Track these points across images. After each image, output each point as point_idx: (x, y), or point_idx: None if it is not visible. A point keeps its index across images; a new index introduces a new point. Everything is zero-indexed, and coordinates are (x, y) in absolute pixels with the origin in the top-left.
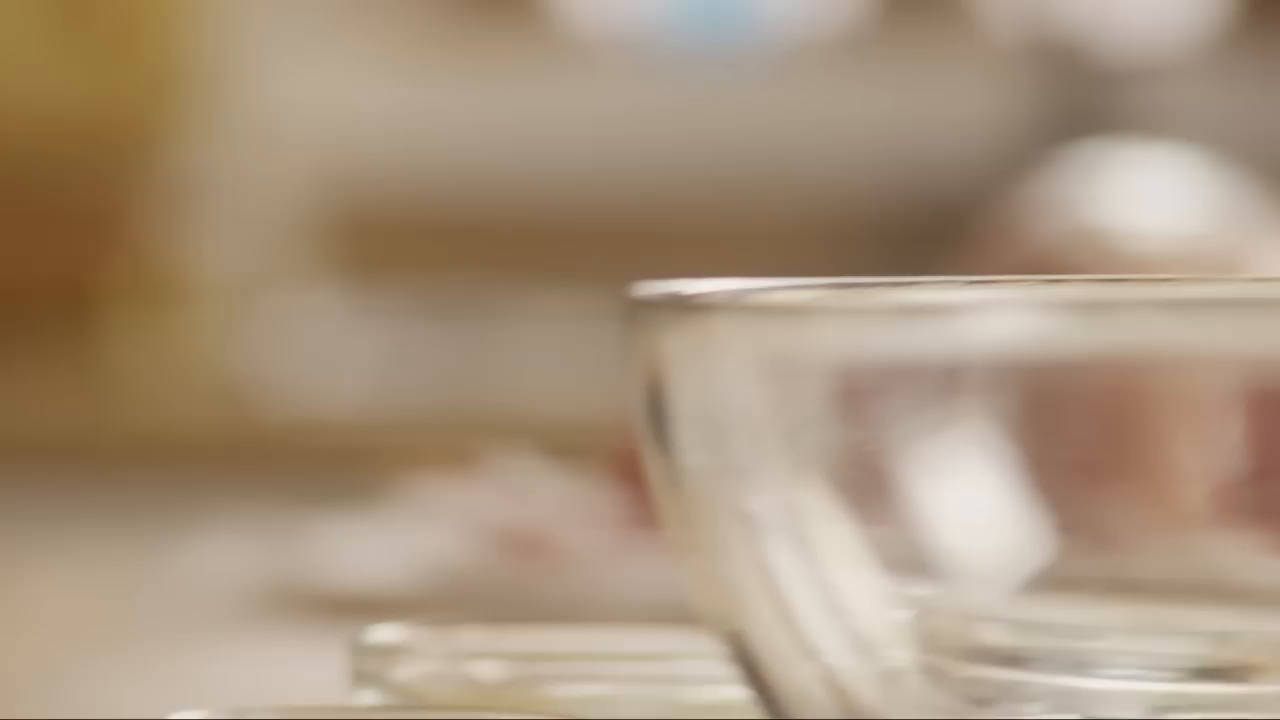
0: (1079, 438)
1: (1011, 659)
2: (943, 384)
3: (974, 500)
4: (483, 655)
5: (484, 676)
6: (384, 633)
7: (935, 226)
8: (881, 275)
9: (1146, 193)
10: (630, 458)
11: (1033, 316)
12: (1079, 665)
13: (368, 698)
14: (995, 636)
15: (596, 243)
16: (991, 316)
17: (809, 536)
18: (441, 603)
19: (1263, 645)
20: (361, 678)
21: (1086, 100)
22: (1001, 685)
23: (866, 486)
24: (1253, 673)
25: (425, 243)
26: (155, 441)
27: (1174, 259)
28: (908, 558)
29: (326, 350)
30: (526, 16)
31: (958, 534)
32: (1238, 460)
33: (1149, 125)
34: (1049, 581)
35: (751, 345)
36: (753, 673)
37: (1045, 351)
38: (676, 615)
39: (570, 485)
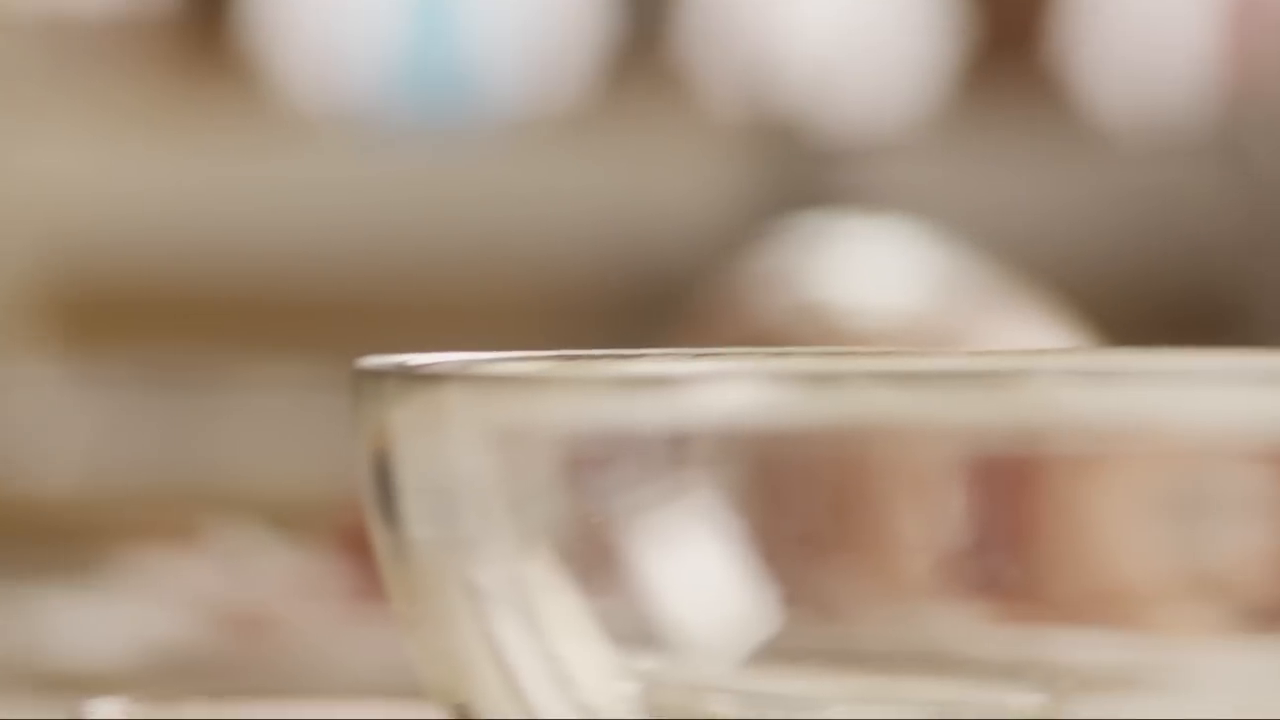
0: (804, 509)
1: None
2: (669, 456)
3: (700, 572)
4: None
5: None
6: (104, 708)
7: (659, 300)
8: (607, 348)
9: (868, 267)
10: (356, 531)
11: (757, 388)
12: None
13: None
14: (722, 708)
15: (322, 316)
16: (717, 388)
17: (536, 608)
18: (163, 678)
19: (985, 716)
20: None
21: (807, 175)
22: None
23: (593, 558)
24: None
25: (148, 315)
26: None
27: (896, 333)
28: (635, 629)
29: (47, 424)
30: (249, 88)
31: (684, 606)
32: (960, 532)
33: (869, 200)
34: (775, 653)
35: (478, 416)
36: None
37: (770, 423)
38: (403, 689)
39: (295, 559)
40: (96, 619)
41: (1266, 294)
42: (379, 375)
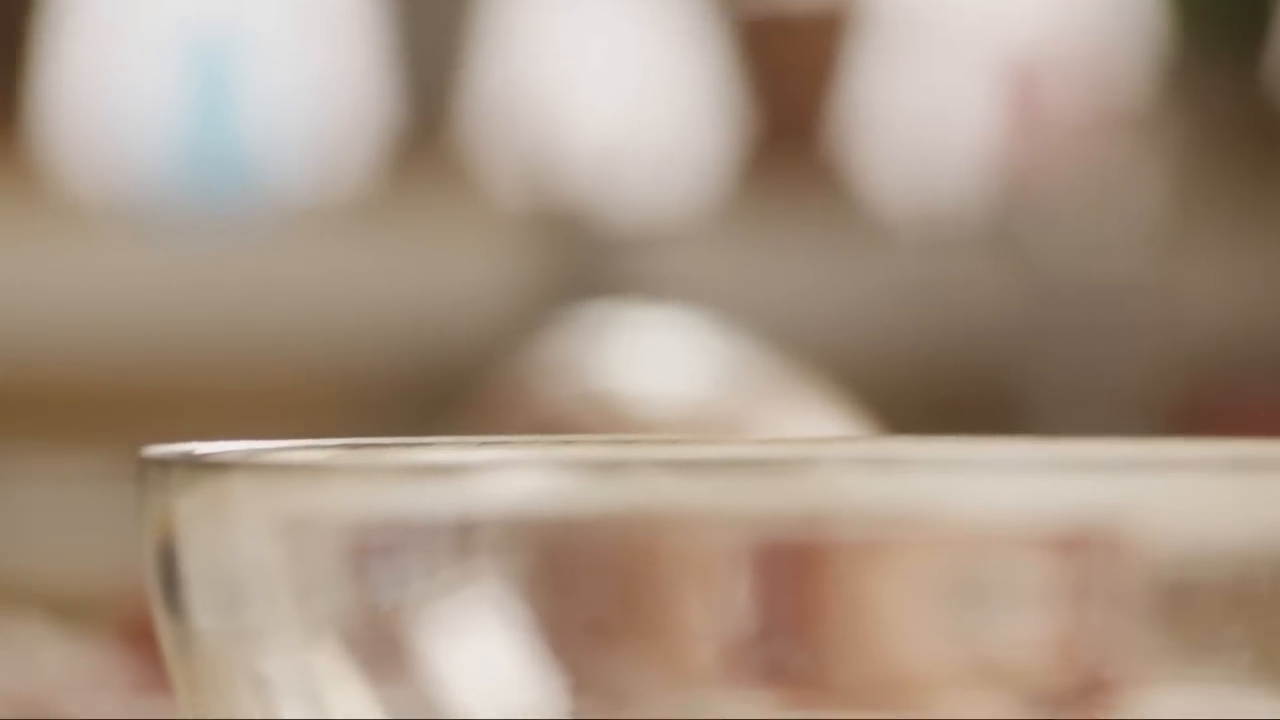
0: (592, 597)
1: None
2: (456, 544)
3: (489, 661)
4: None
5: None
6: None
7: (446, 389)
8: (394, 437)
9: (652, 356)
10: (141, 622)
11: (544, 476)
12: None
13: None
14: None
15: (107, 406)
16: (503, 476)
17: (323, 699)
18: None
19: None
20: None
21: (591, 264)
22: None
23: (381, 648)
24: None
25: None
26: None
27: (681, 421)
28: (420, 710)
29: None
30: (27, 174)
31: (473, 695)
32: (746, 619)
33: (653, 289)
34: None
35: (264, 505)
36: None
37: (557, 511)
38: None
39: (78, 651)
40: None
41: (1043, 383)
42: (164, 464)
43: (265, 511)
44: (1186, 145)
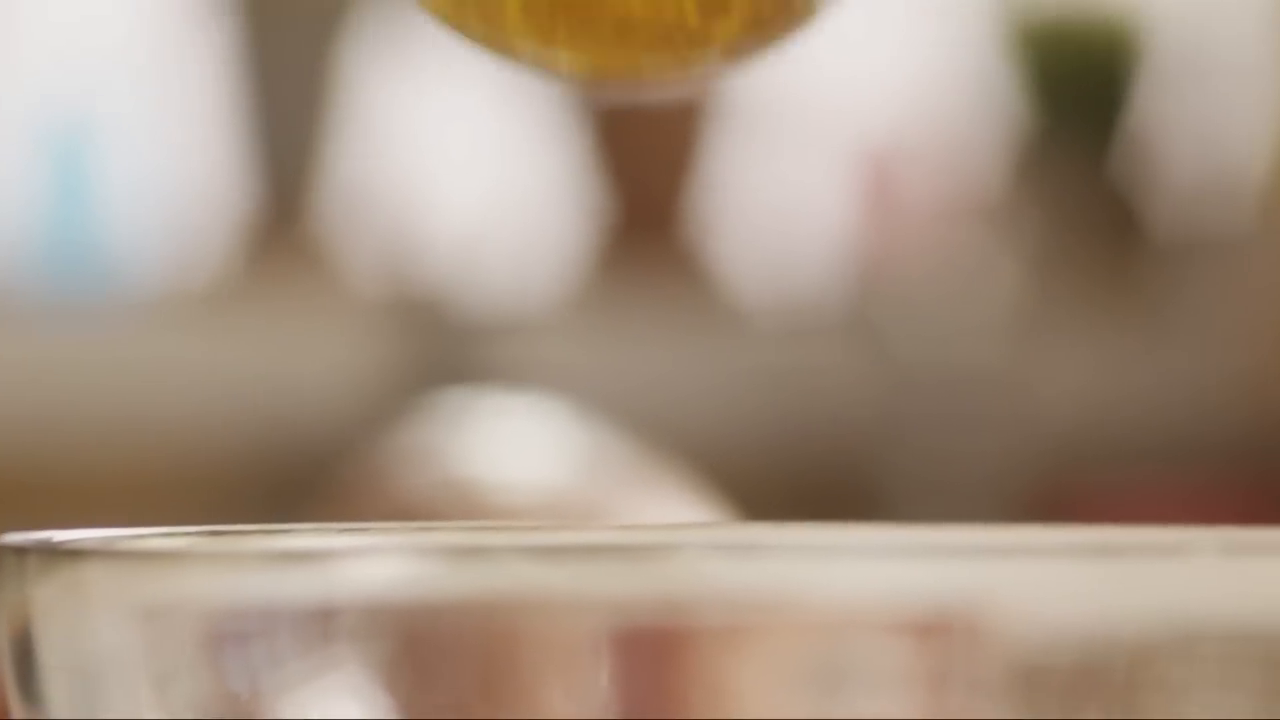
0: (453, 684)
1: None
2: (316, 631)
3: None
4: None
5: None
6: None
7: (305, 477)
8: (253, 524)
9: (511, 443)
10: None
11: (404, 563)
12: None
13: None
14: None
15: None
16: (363, 563)
17: None
18: None
19: None
20: None
21: (449, 351)
22: None
23: None
24: None
25: None
26: None
27: (540, 508)
28: None
29: None
30: None
31: None
32: (607, 704)
33: (511, 377)
34: None
35: (122, 593)
36: None
37: (417, 598)
38: None
39: None
40: None
41: (900, 471)
42: (20, 551)
43: (123, 599)
44: (1040, 234)
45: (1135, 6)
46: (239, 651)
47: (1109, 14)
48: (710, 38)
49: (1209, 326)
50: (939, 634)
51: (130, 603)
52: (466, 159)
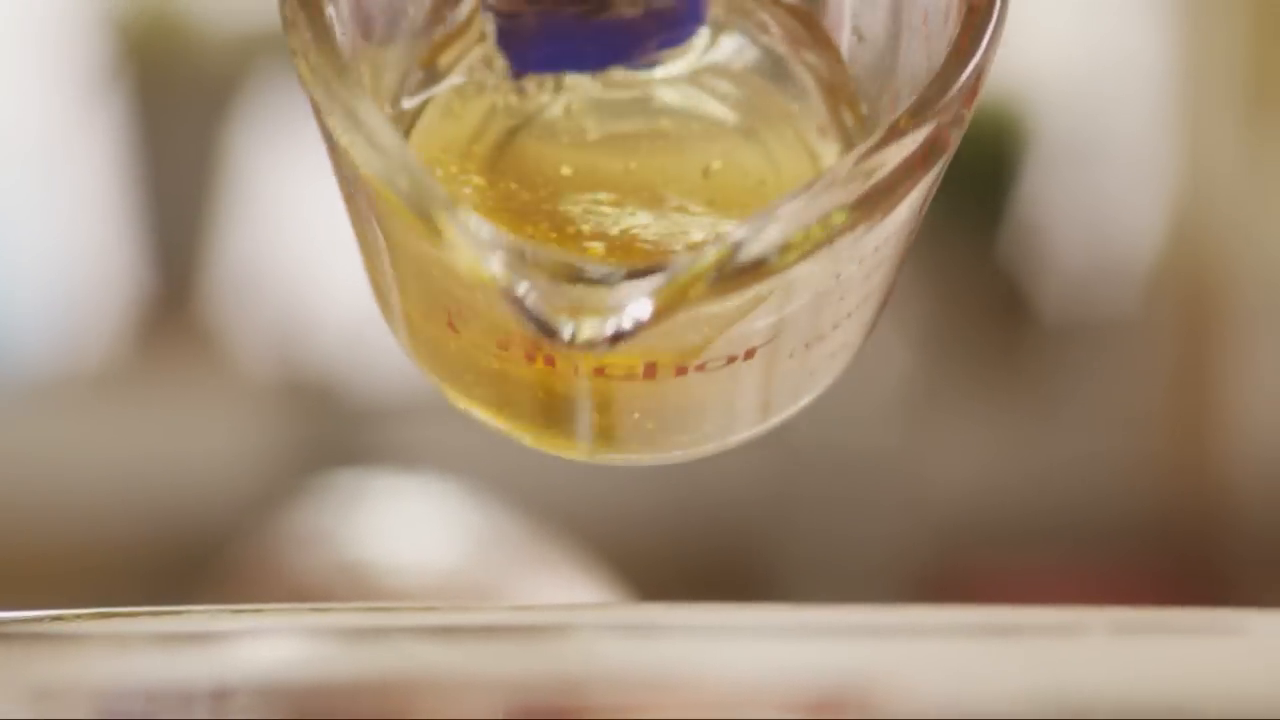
0: None
1: None
2: (210, 711)
3: None
4: None
5: None
6: None
7: (195, 558)
8: (144, 606)
9: (403, 525)
10: None
11: (298, 643)
12: None
13: None
14: None
15: None
16: (257, 643)
17: None
18: None
19: None
20: None
21: (340, 434)
22: None
23: None
24: None
25: None
26: None
27: (435, 589)
28: None
29: None
30: None
31: None
32: None
33: (403, 459)
34: None
35: (12, 674)
36: None
37: (312, 677)
38: None
39: None
40: None
41: (793, 550)
42: None
43: (14, 680)
44: (929, 316)
45: (1023, 90)
46: None
47: (997, 97)
48: None
49: (1098, 408)
50: (832, 712)
51: (21, 684)
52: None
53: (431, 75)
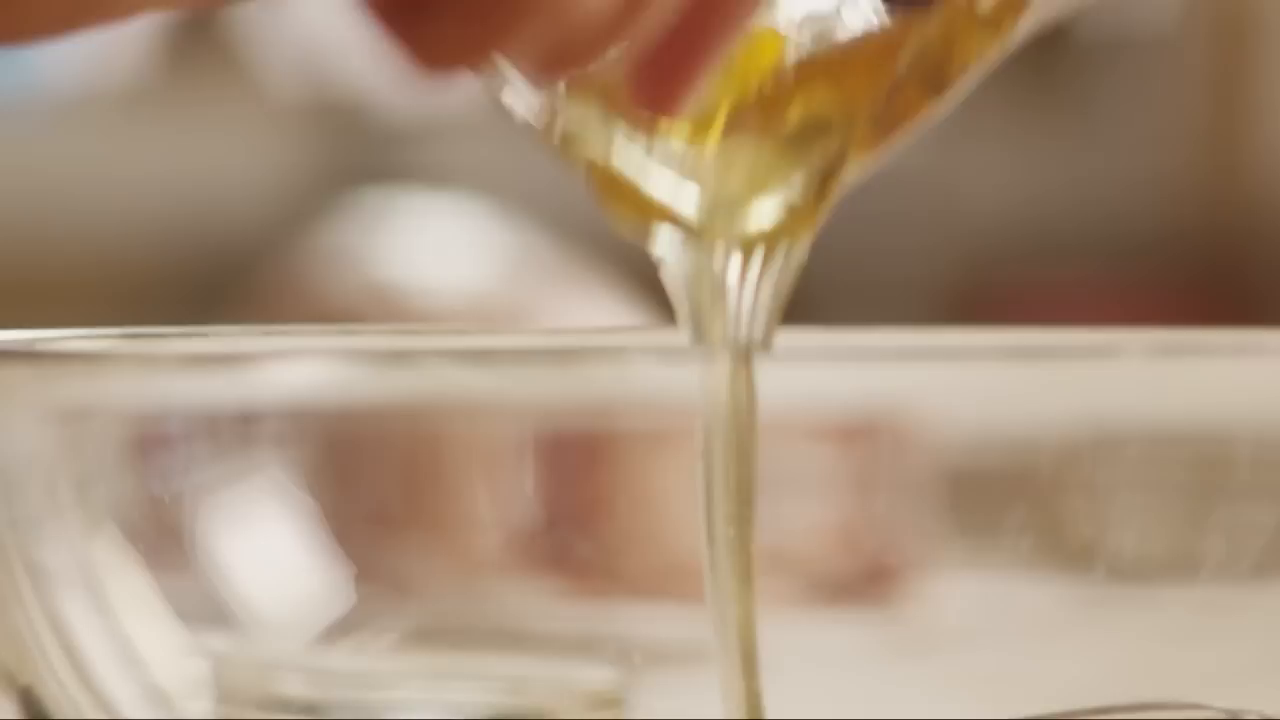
0: (376, 487)
1: (308, 708)
2: (238, 434)
3: (272, 551)
4: None
5: None
6: None
7: (222, 280)
8: (173, 327)
9: (433, 245)
10: None
11: (327, 365)
12: (376, 714)
13: None
14: (292, 687)
15: None
16: (286, 366)
17: (103, 589)
18: None
19: (555, 691)
20: None
21: (370, 152)
22: None
23: (161, 538)
24: (547, 717)
25: None
26: None
27: (463, 311)
28: (205, 609)
29: None
30: None
31: (254, 585)
32: (531, 509)
33: (432, 178)
34: (346, 631)
35: (41, 395)
36: None
37: (340, 401)
38: None
39: None
40: None
41: (824, 271)
42: None
43: (43, 401)
44: None
45: None
46: (160, 454)
47: None
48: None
49: (1133, 124)
50: (863, 437)
51: (50, 405)
52: None
53: None
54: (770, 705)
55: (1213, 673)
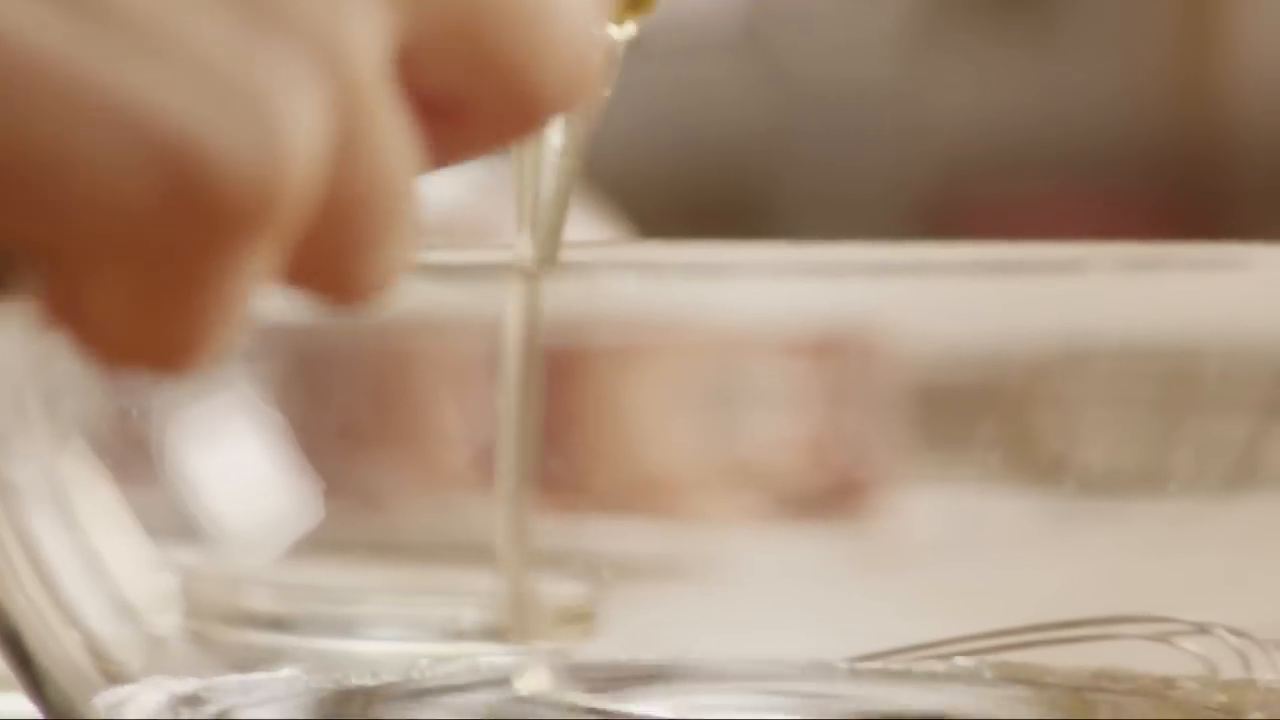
0: (343, 403)
1: (276, 623)
2: None
3: (240, 465)
4: None
5: None
6: None
7: None
8: None
9: None
10: None
11: None
12: (344, 628)
13: None
14: (260, 601)
15: None
16: None
17: (71, 504)
18: None
19: (527, 607)
20: None
21: None
22: (266, 649)
23: (130, 452)
24: (517, 634)
25: None
26: None
27: (432, 226)
28: (173, 524)
29: None
30: None
31: (223, 499)
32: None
33: None
34: (315, 545)
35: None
36: (14, 645)
37: (308, 317)
38: None
39: None
40: None
41: (793, 187)
42: None
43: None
44: None
45: None
46: None
47: None
48: None
49: (1104, 36)
50: (833, 352)
51: (17, 320)
52: None
53: None
54: (741, 618)
55: (1181, 586)
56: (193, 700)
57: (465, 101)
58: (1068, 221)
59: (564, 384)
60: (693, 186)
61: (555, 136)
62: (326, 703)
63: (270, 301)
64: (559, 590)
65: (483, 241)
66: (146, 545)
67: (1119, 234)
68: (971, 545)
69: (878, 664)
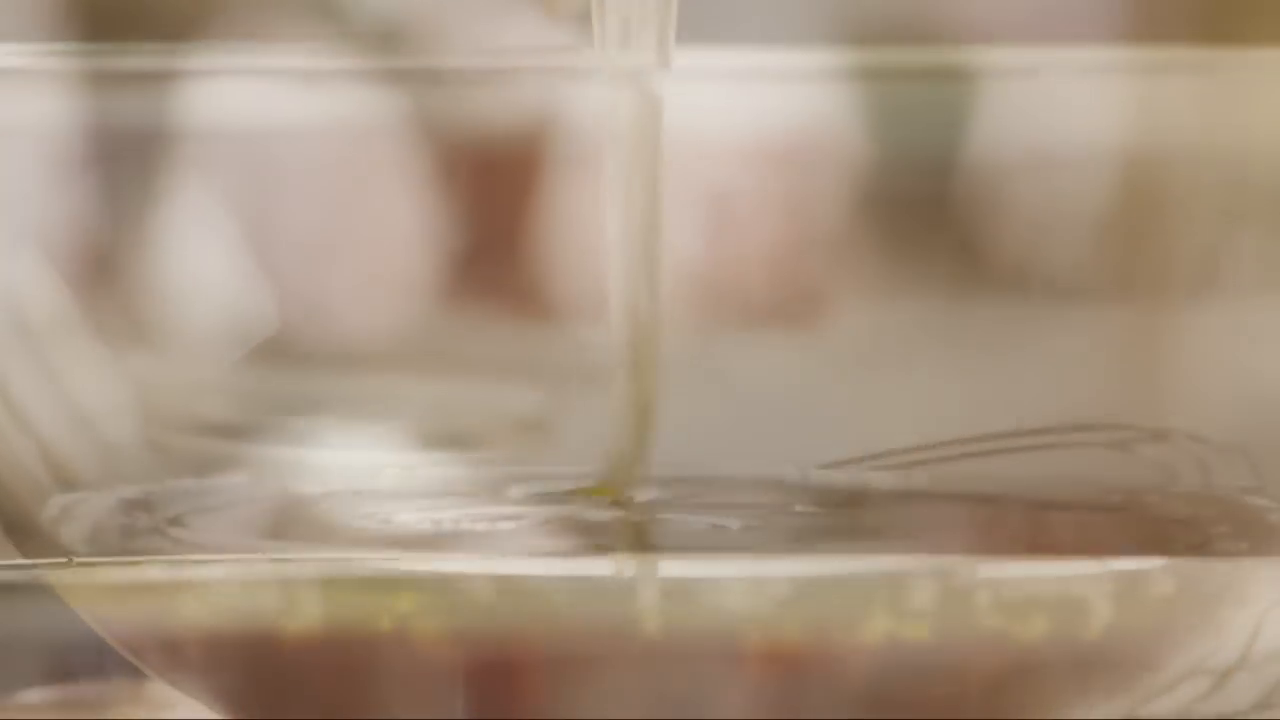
0: (300, 209)
1: (232, 432)
2: (160, 155)
3: (196, 272)
4: None
5: None
6: None
7: None
8: (93, 43)
9: None
10: None
11: (250, 85)
12: (300, 437)
13: None
14: (216, 410)
15: None
16: (207, 85)
17: (24, 311)
18: None
19: (482, 416)
20: None
21: None
22: (220, 457)
23: (84, 258)
24: (473, 443)
25: None
26: None
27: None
28: (127, 331)
29: None
30: None
31: (179, 306)
32: (458, 232)
33: None
34: (271, 354)
35: None
36: None
37: (266, 121)
38: None
39: None
40: None
41: None
42: None
43: None
44: None
45: None
46: (84, 175)
47: None
48: None
49: None
50: (788, 159)
51: None
52: None
53: None
54: (696, 429)
55: (1142, 394)
56: (143, 504)
57: None
58: (1029, 26)
59: (522, 190)
60: None
61: None
62: (272, 508)
63: (224, 103)
64: (515, 398)
65: (439, 46)
66: (101, 353)
67: (1080, 39)
68: (928, 353)
69: (834, 472)
